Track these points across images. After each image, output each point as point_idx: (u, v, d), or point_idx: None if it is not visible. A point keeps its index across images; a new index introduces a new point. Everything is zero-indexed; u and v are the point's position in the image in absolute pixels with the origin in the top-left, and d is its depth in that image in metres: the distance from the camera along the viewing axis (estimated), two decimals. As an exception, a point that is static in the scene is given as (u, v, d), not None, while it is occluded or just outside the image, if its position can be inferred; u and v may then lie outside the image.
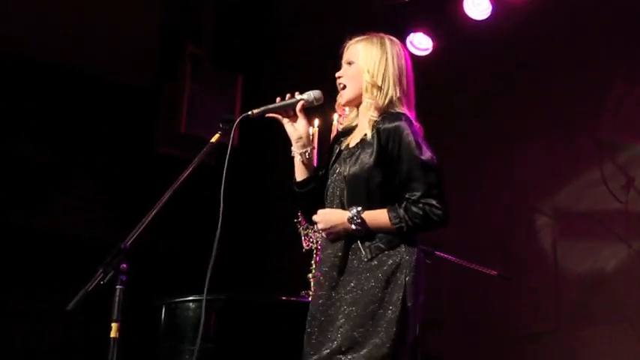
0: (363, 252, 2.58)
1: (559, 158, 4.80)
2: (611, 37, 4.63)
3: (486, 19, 4.87)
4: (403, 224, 2.53)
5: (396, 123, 2.60)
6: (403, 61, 2.75)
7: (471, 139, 5.12)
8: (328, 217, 2.61)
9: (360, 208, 2.55)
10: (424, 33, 5.12)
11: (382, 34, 2.79)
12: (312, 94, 2.74)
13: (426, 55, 5.11)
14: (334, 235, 2.61)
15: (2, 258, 5.51)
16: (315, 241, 3.60)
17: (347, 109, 2.82)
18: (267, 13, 6.42)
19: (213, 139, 2.86)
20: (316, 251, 3.60)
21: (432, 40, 5.12)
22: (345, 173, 2.64)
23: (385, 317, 2.50)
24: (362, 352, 2.49)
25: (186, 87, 5.77)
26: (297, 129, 2.73)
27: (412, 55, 5.17)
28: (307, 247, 3.64)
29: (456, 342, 4.71)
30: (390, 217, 2.54)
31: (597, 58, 4.67)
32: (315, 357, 2.58)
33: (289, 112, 2.73)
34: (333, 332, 2.56)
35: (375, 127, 2.63)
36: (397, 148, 2.58)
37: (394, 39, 2.79)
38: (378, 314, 2.52)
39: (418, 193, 2.54)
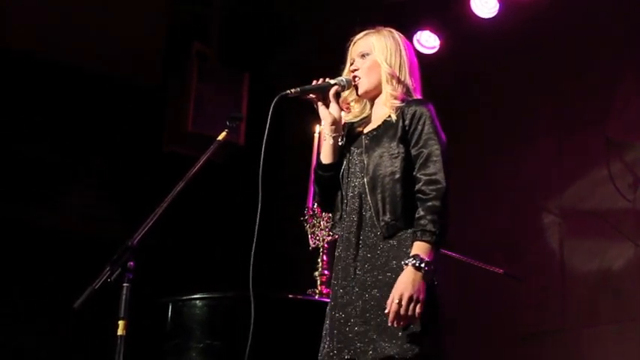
0: (380, 230, 2.59)
1: (566, 157, 4.79)
2: (620, 36, 4.62)
3: (494, 17, 4.86)
4: (440, 238, 2.50)
5: (422, 107, 2.66)
6: (411, 52, 2.83)
7: (478, 138, 5.12)
8: (402, 286, 2.44)
9: (412, 258, 2.47)
10: (431, 31, 5.12)
11: (385, 27, 2.84)
12: (343, 80, 2.75)
13: (432, 54, 5.10)
14: (417, 296, 2.44)
15: (11, 256, 5.52)
16: (321, 239, 3.61)
17: (352, 103, 2.83)
18: (273, 11, 6.42)
19: (221, 137, 2.87)
20: (323, 249, 3.61)
21: (439, 38, 5.11)
22: (369, 152, 2.67)
23: None
24: (400, 335, 2.47)
25: (193, 85, 5.77)
26: (332, 113, 2.74)
27: (419, 54, 5.17)
28: (314, 245, 3.65)
29: (461, 341, 4.69)
30: (428, 243, 2.48)
31: (605, 56, 4.66)
32: (344, 346, 2.54)
33: (323, 95, 2.74)
34: (362, 318, 2.54)
35: (400, 110, 2.67)
36: (420, 129, 2.62)
37: (397, 31, 2.85)
38: None
39: (429, 179, 2.55)
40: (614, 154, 4.52)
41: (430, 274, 2.47)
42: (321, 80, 2.74)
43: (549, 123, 4.91)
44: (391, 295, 2.45)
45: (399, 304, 2.42)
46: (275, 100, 2.65)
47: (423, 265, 2.45)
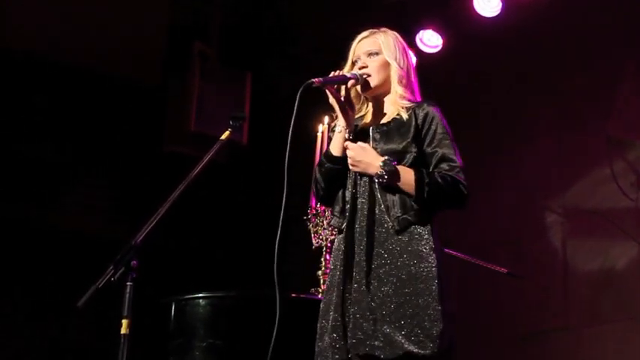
0: (391, 223, 2.61)
1: (569, 156, 4.80)
2: (620, 36, 4.62)
3: (496, 16, 4.87)
4: (427, 188, 2.58)
5: (432, 108, 2.74)
6: (410, 55, 2.89)
7: (481, 137, 5.11)
8: (362, 151, 2.66)
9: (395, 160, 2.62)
10: (434, 30, 5.12)
11: (388, 29, 2.88)
12: (356, 73, 2.75)
13: (435, 53, 5.10)
14: (358, 168, 2.66)
15: (11, 256, 5.52)
16: (324, 238, 3.60)
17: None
18: (274, 11, 6.42)
19: (223, 137, 2.87)
20: (326, 248, 3.60)
21: (442, 37, 5.11)
22: (380, 148, 2.70)
23: (427, 292, 2.54)
24: (418, 331, 2.50)
25: (194, 85, 5.76)
26: (348, 105, 2.76)
27: (421, 52, 5.15)
28: (317, 245, 3.65)
29: (464, 339, 4.69)
30: (415, 178, 2.60)
31: (607, 55, 4.66)
32: (358, 341, 2.56)
33: (338, 88, 2.76)
34: (376, 314, 2.55)
35: (412, 110, 2.72)
36: (434, 130, 2.69)
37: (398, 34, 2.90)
38: (419, 289, 2.55)
39: (448, 168, 2.65)
40: (616, 153, 4.52)
41: (381, 178, 2.59)
42: (337, 72, 2.74)
43: (549, 123, 4.92)
44: (361, 145, 2.66)
45: (351, 155, 2.65)
46: (301, 88, 2.63)
47: (386, 170, 2.59)
